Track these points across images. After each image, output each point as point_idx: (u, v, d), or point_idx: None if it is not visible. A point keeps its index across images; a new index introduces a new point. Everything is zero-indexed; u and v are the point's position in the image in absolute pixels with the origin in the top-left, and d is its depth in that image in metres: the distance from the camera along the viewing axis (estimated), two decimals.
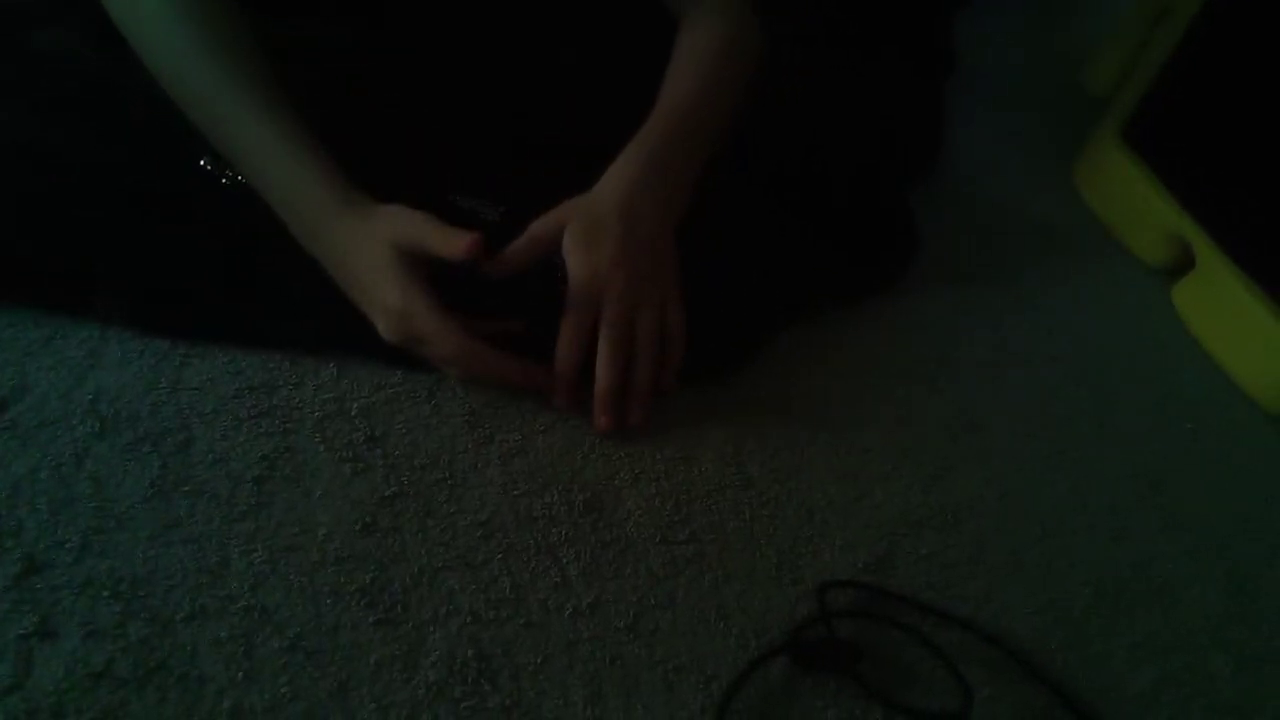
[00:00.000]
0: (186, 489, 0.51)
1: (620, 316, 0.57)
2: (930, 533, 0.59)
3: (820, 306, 0.71)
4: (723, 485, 0.58)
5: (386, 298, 0.55)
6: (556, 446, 0.57)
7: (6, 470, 0.49)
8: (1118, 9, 1.02)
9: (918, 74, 0.90)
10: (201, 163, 0.64)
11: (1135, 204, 0.84)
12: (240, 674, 0.45)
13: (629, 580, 0.53)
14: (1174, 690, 0.55)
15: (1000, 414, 0.69)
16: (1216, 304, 0.77)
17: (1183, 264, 0.82)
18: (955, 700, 0.51)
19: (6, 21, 0.71)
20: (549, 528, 0.54)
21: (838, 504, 0.60)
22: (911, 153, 0.83)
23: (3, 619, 0.44)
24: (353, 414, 0.56)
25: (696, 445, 0.60)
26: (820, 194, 0.74)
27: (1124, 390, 0.73)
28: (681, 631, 0.51)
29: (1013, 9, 1.13)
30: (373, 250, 0.55)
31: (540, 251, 0.58)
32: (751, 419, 0.63)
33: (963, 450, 0.65)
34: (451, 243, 0.54)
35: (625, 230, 0.58)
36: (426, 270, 0.55)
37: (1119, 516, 0.64)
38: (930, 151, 0.86)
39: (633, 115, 0.66)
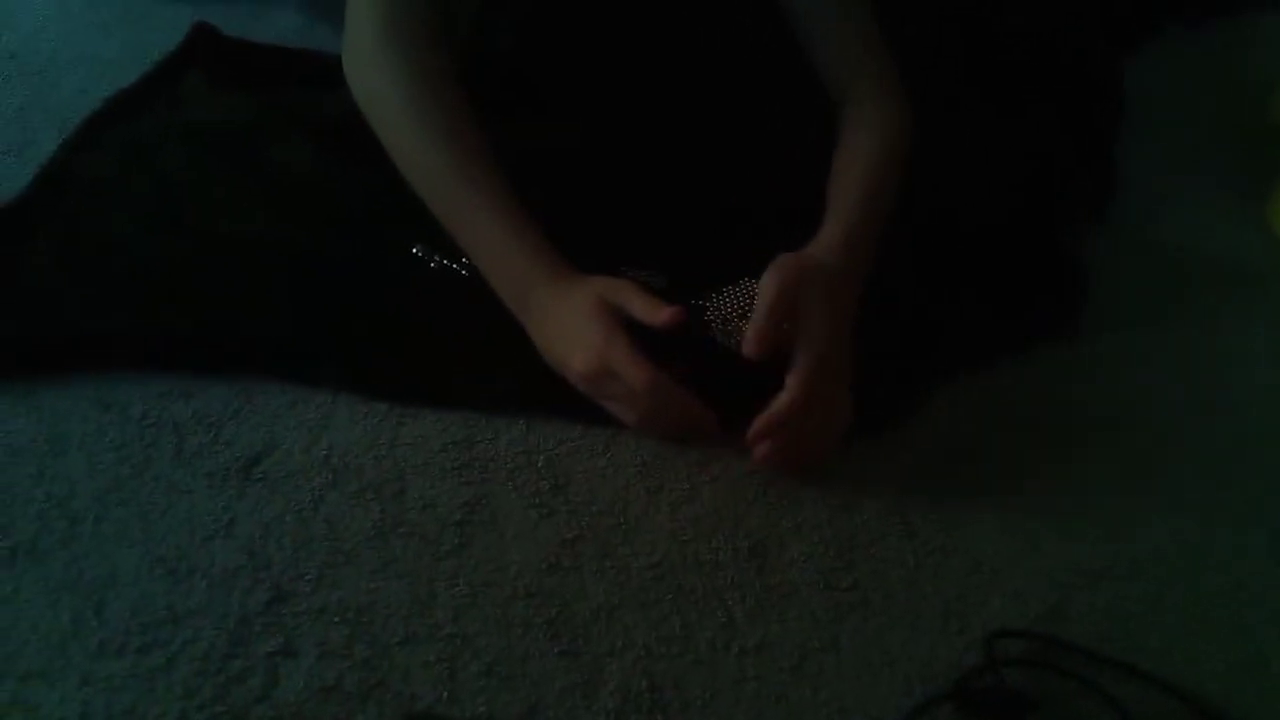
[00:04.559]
0: (401, 531, 0.58)
1: (815, 383, 0.59)
2: (1107, 584, 0.58)
3: (986, 359, 0.71)
4: (885, 534, 0.60)
5: (588, 334, 0.61)
6: (722, 495, 0.61)
7: (260, 514, 0.59)
8: None
9: (1079, 121, 0.89)
10: (414, 250, 0.74)
11: None
12: (445, 693, 0.51)
13: (793, 624, 0.55)
14: None
15: (1187, 463, 0.66)
16: None
17: None
18: None
19: (252, 141, 0.85)
20: (715, 571, 0.57)
21: (1006, 554, 0.60)
22: (1076, 197, 0.82)
23: (255, 639, 0.53)
24: (539, 465, 0.62)
25: (859, 495, 0.62)
26: (978, 246, 0.75)
27: None
28: (846, 675, 0.53)
29: (1188, 47, 1.09)
30: (581, 303, 0.62)
31: (782, 316, 0.60)
32: (915, 469, 0.64)
33: (1143, 501, 0.63)
34: (656, 312, 0.60)
35: (835, 305, 0.62)
36: (624, 324, 0.61)
37: None
38: (1101, 195, 0.84)
39: (791, 190, 0.70)
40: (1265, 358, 0.75)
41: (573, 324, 0.62)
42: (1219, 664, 0.55)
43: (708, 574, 0.57)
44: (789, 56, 0.79)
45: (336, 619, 0.54)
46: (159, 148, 0.85)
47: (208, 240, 0.75)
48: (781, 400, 0.59)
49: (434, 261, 0.73)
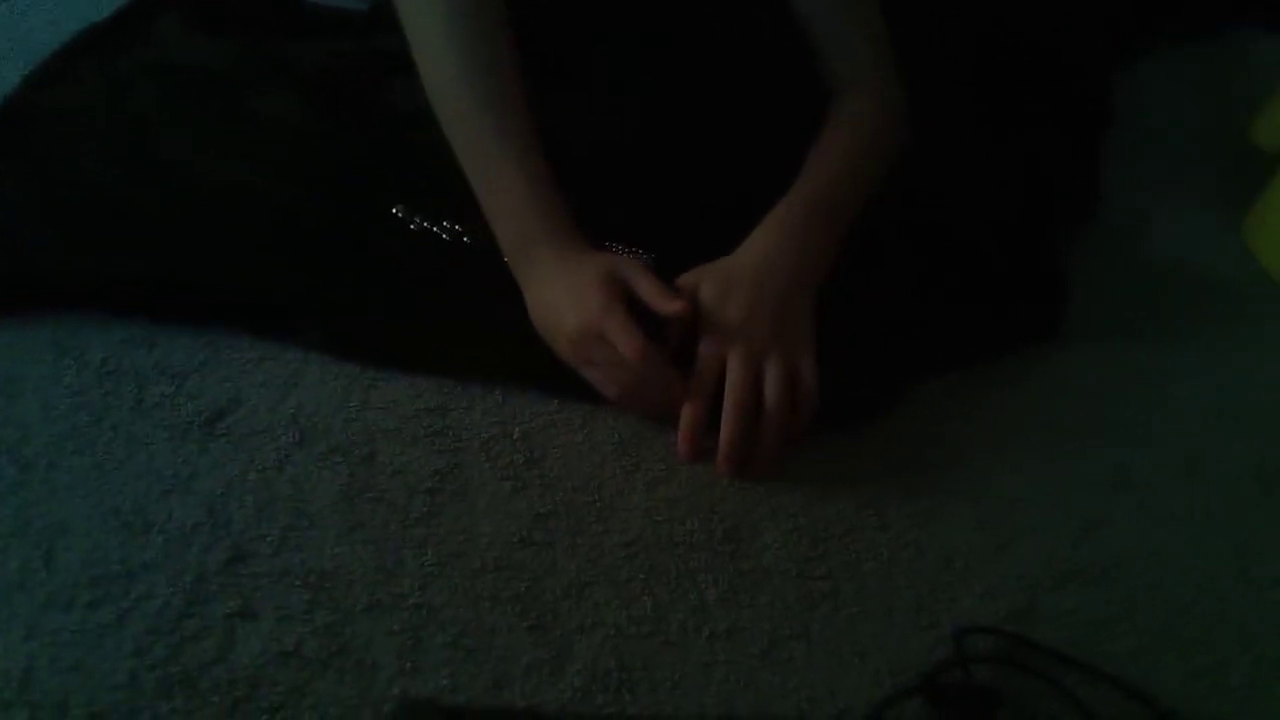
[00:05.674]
0: (369, 496, 0.57)
1: (744, 373, 0.59)
2: (1076, 587, 0.58)
3: (966, 360, 0.71)
4: (860, 525, 0.60)
5: (587, 298, 0.59)
6: (698, 478, 0.60)
7: (221, 471, 0.57)
8: None
9: (1069, 128, 0.89)
10: (394, 211, 0.72)
11: None
12: (409, 664, 0.50)
13: (765, 610, 0.55)
14: None
15: (1157, 470, 0.66)
16: None
17: None
18: None
19: (231, 88, 0.83)
20: (689, 553, 0.57)
21: (979, 552, 0.59)
22: (1063, 207, 0.83)
23: (212, 599, 0.51)
24: (514, 437, 0.61)
25: (834, 485, 0.61)
26: (964, 248, 0.75)
27: None
28: (815, 664, 0.53)
29: (1177, 64, 1.10)
30: (587, 271, 0.61)
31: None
32: (891, 465, 0.64)
33: (1114, 506, 0.64)
34: (665, 301, 0.59)
35: (755, 291, 0.62)
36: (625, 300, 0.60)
37: None
38: (1085, 205, 0.85)
39: (785, 176, 0.69)
40: (1239, 369, 0.76)
41: (572, 288, 0.61)
42: (1181, 672, 0.55)
43: (681, 555, 0.56)
44: (797, 44, 0.78)
45: (298, 582, 0.52)
46: (132, 85, 0.82)
47: (182, 184, 0.73)
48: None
49: (414, 223, 0.72)
